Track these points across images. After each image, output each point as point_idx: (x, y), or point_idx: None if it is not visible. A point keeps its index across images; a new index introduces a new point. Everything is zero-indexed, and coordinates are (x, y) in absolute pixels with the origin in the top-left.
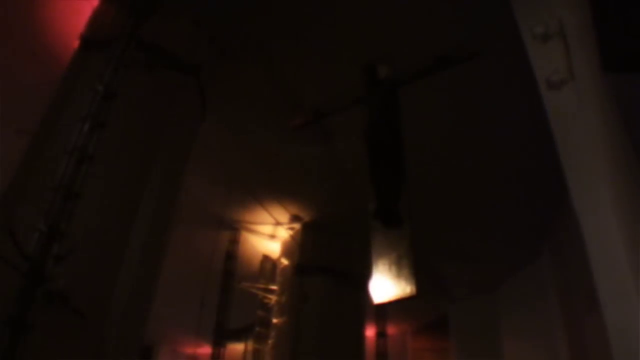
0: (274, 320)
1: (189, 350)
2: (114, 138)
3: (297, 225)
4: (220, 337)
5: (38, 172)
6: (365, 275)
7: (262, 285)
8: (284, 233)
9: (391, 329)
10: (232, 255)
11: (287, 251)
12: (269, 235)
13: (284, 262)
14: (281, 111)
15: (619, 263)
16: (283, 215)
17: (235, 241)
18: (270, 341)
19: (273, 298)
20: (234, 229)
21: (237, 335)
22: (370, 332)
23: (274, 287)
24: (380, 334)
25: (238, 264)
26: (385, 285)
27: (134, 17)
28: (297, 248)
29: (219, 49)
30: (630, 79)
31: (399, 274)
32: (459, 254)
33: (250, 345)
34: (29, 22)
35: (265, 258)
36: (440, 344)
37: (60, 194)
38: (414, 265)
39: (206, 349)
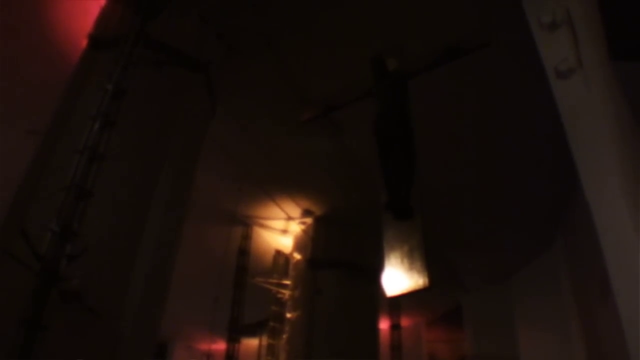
0: (288, 315)
1: (204, 346)
2: (124, 136)
3: (308, 220)
4: (235, 333)
5: (49, 172)
6: (378, 268)
7: (275, 280)
8: (296, 227)
9: (405, 321)
10: (244, 250)
11: (299, 245)
12: (281, 230)
13: (297, 256)
14: (291, 105)
15: (631, 250)
16: (295, 210)
17: (247, 237)
18: (284, 336)
19: (286, 293)
20: (246, 224)
21: (252, 331)
22: (384, 324)
23: (287, 282)
24: (395, 326)
25: (251, 259)
26: (398, 278)
27: (142, 15)
28: (309, 242)
29: (226, 44)
30: (637, 67)
31: (411, 266)
32: (472, 245)
33: (265, 340)
34: (37, 22)
35: (278, 253)
36: (454, 334)
37: (72, 193)
38: (427, 257)
39: (221, 345)
